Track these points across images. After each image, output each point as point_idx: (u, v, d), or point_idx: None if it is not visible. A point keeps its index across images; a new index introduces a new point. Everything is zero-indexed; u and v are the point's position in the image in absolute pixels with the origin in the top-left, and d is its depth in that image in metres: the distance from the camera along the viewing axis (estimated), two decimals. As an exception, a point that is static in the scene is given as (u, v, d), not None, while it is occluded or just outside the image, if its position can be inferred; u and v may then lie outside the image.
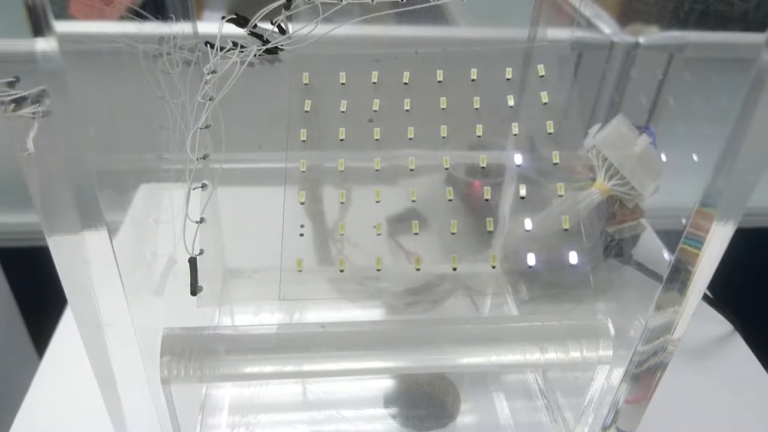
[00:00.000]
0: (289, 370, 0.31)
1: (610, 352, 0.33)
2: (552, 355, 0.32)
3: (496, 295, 0.55)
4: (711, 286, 0.62)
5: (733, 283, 0.72)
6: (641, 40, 0.65)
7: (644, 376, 0.35)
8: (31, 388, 0.51)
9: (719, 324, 0.60)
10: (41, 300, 0.71)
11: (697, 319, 0.62)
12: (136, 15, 0.34)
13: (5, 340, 0.83)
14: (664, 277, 0.32)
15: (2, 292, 0.83)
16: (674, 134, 0.60)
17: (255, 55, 0.39)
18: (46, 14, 0.19)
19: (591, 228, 0.57)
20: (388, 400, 0.48)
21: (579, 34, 0.64)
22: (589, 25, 0.63)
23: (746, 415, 0.53)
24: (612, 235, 0.62)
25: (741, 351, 0.58)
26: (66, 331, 0.56)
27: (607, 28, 0.65)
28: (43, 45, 0.19)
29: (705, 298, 0.60)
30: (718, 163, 0.27)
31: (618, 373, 0.35)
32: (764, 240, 1.01)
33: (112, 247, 0.25)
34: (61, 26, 0.20)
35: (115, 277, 0.26)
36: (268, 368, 0.31)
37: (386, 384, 0.49)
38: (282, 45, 0.39)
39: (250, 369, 0.31)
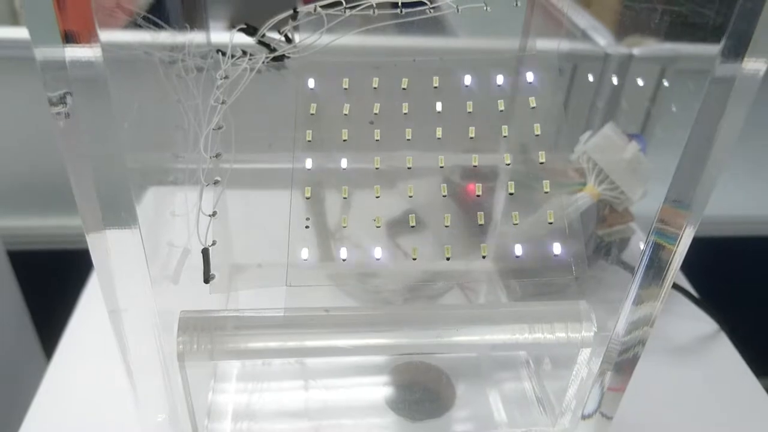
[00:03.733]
0: (293, 345, 0.33)
1: (591, 334, 0.36)
2: (539, 335, 0.35)
3: (490, 294, 0.57)
4: (699, 288, 0.65)
5: (720, 286, 0.74)
6: (635, 51, 0.67)
7: (624, 364, 0.38)
8: (40, 391, 0.52)
9: (706, 324, 0.62)
10: (51, 303, 0.72)
11: (684, 319, 0.65)
12: (154, 24, 0.37)
13: (15, 342, 0.84)
14: (636, 268, 0.34)
15: (13, 295, 0.83)
16: (668, 142, 0.62)
17: (263, 63, 0.41)
18: (92, 22, 0.21)
19: (581, 230, 0.59)
20: (386, 393, 0.51)
21: (574, 45, 0.66)
22: (585, 36, 0.66)
23: (730, 410, 0.55)
24: (602, 237, 0.64)
25: (726, 349, 0.60)
26: (74, 334, 0.57)
27: (602, 39, 0.68)
28: (88, 53, 0.22)
29: (692, 298, 0.62)
30: (679, 165, 0.30)
31: (601, 361, 0.37)
32: (748, 247, 1.04)
33: (143, 243, 0.28)
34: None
35: (143, 269, 0.29)
36: (273, 344, 0.33)
37: (385, 379, 0.51)
38: (288, 53, 0.42)
39: (256, 344, 0.33)
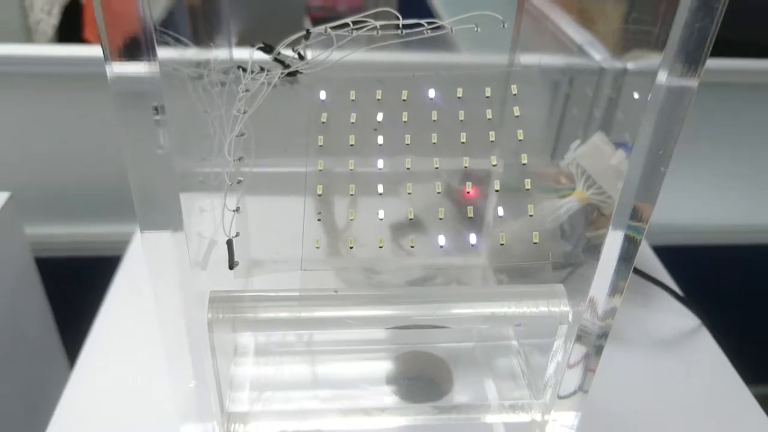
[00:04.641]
0: (305, 316, 0.38)
1: (567, 309, 0.41)
2: (525, 309, 0.40)
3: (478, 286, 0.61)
4: (682, 286, 0.69)
5: (703, 285, 0.78)
6: (629, 65, 0.71)
7: (595, 344, 0.42)
8: (64, 396, 0.54)
9: (688, 319, 0.66)
10: (73, 309, 0.76)
11: (668, 314, 0.69)
12: (180, 43, 0.42)
13: (40, 348, 0.86)
14: (600, 255, 0.39)
15: (39, 301, 0.86)
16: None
17: (279, 78, 0.46)
18: (153, 42, 0.27)
19: (571, 232, 0.64)
20: (390, 379, 0.55)
21: (570, 60, 0.71)
22: (581, 52, 0.70)
23: (710, 399, 0.59)
24: (591, 239, 0.68)
25: (707, 343, 0.64)
26: (97, 340, 0.60)
27: (597, 54, 0.72)
28: (148, 68, 0.27)
29: (675, 295, 0.67)
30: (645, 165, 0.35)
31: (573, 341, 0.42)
32: (729, 254, 1.08)
33: (186, 240, 0.33)
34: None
35: (184, 258, 0.34)
36: (287, 314, 0.38)
37: (389, 366, 0.56)
38: (302, 69, 0.47)
39: (272, 315, 0.39)
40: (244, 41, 0.52)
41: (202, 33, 0.44)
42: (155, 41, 0.26)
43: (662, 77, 0.31)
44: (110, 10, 0.25)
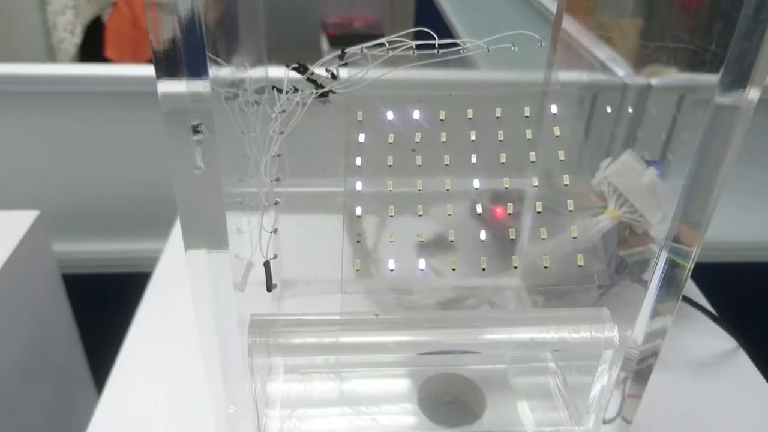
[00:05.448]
0: (347, 341, 0.38)
1: (614, 334, 0.40)
2: (566, 334, 0.39)
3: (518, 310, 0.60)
4: (717, 306, 0.68)
5: (738, 306, 0.77)
6: (653, 81, 0.71)
7: (641, 372, 0.41)
8: (93, 421, 0.53)
9: (724, 341, 0.65)
10: (102, 325, 0.76)
11: (703, 335, 0.67)
12: (216, 63, 0.42)
13: (65, 366, 0.85)
14: (649, 282, 0.38)
15: (66, 317, 0.86)
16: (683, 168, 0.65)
17: (312, 98, 0.46)
18: (205, 62, 0.26)
19: (604, 251, 0.63)
20: (421, 401, 0.54)
21: (594, 76, 0.70)
22: (604, 68, 0.70)
23: (749, 423, 0.57)
24: (624, 258, 0.67)
25: (744, 364, 0.63)
26: (127, 360, 0.58)
27: (621, 70, 0.72)
28: (200, 87, 0.27)
29: (711, 316, 0.65)
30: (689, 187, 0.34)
31: (620, 368, 0.41)
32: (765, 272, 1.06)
33: (231, 260, 0.33)
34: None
35: (227, 280, 0.34)
36: (329, 340, 0.38)
37: (421, 389, 0.55)
38: (337, 88, 0.47)
39: (313, 340, 0.38)
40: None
41: (233, 53, 0.44)
42: (207, 61, 0.26)
43: (718, 98, 0.30)
44: (161, 28, 0.25)
